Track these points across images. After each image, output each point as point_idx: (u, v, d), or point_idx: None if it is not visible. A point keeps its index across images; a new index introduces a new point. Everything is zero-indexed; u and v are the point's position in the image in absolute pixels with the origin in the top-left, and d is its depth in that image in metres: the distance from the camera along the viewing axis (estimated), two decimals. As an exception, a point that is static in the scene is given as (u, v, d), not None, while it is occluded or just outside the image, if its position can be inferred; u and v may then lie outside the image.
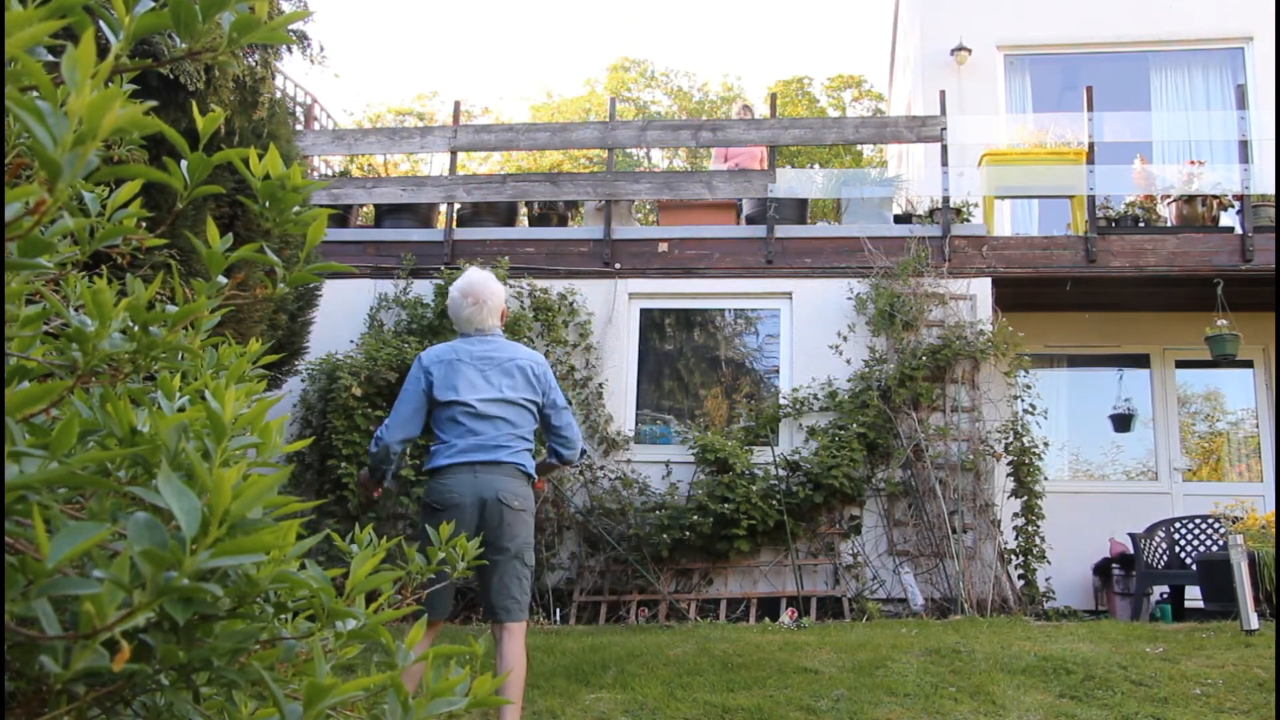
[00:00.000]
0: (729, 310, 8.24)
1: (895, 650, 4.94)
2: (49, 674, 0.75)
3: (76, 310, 1.07)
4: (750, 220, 8.26)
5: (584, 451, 3.82)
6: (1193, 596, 7.48)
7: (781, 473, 7.12)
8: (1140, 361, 8.96)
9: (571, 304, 7.80)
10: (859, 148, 18.87)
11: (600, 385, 7.65)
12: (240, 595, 0.87)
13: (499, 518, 3.45)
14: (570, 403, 7.59)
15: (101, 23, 0.98)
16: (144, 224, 1.26)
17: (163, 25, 0.94)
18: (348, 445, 6.96)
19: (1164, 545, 7.60)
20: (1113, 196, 7.89)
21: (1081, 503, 8.47)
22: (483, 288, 3.73)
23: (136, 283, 1.07)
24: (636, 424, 7.80)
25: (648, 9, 38.00)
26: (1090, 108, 7.82)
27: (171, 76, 3.93)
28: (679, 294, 8.00)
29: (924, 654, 4.87)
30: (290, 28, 5.00)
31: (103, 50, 0.82)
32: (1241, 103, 7.92)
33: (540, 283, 7.82)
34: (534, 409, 3.68)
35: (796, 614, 6.65)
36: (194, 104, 1.42)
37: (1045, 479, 7.21)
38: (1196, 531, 7.58)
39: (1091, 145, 7.73)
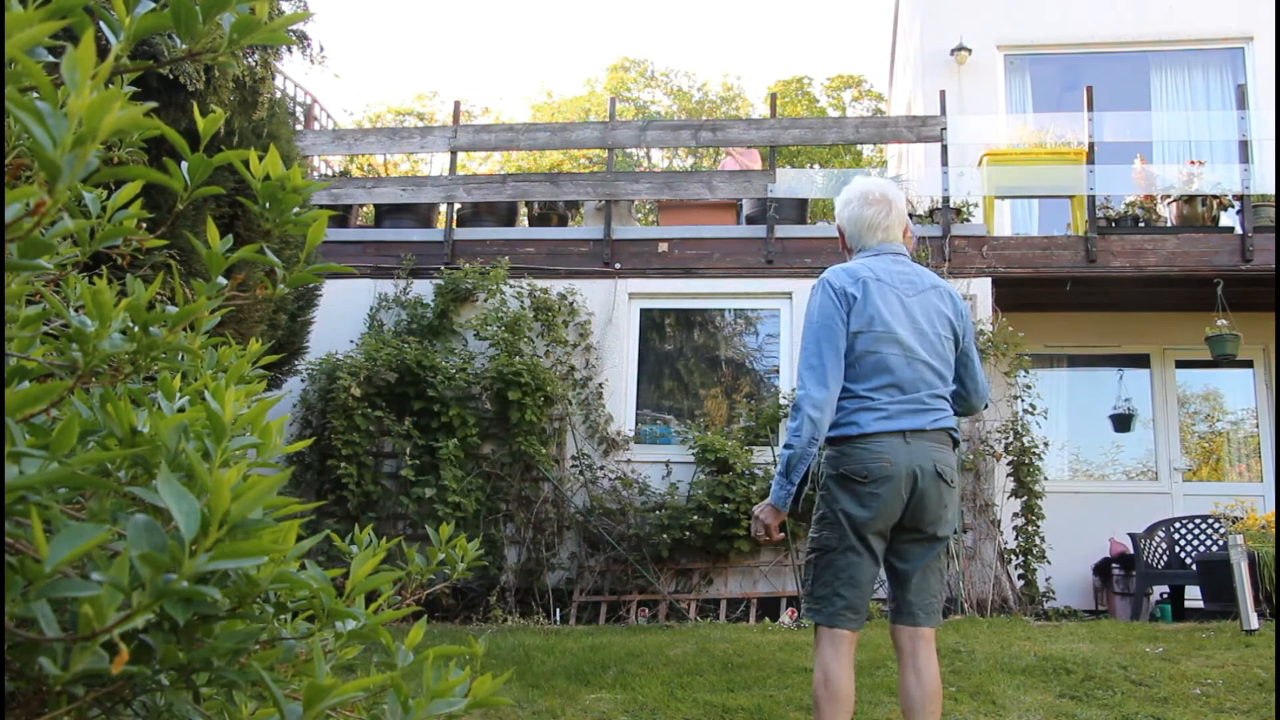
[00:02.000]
0: (729, 310, 8.24)
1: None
2: (48, 675, 0.75)
3: (76, 311, 1.07)
4: (750, 220, 8.26)
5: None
6: (1193, 596, 7.48)
7: (781, 473, 7.11)
8: (1140, 361, 8.96)
9: (571, 304, 7.81)
10: (859, 148, 18.87)
11: (600, 385, 7.65)
12: (240, 596, 0.87)
13: (937, 497, 2.72)
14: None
15: (101, 23, 0.98)
16: (144, 225, 1.26)
17: (163, 26, 0.94)
18: (347, 445, 6.96)
19: (1164, 545, 7.60)
20: (1113, 196, 7.89)
21: (1081, 503, 8.47)
22: (889, 187, 2.93)
23: (136, 283, 1.07)
24: (636, 424, 7.80)
25: (648, 9, 38.02)
26: (1090, 108, 7.82)
27: (171, 77, 3.93)
28: (679, 294, 8.00)
29: (924, 654, 4.86)
30: (290, 28, 5.00)
31: (103, 51, 0.82)
32: (1241, 103, 7.92)
33: (540, 283, 7.82)
34: (954, 353, 2.90)
35: (796, 614, 6.65)
36: (194, 104, 1.42)
37: (1045, 479, 7.21)
38: (1196, 531, 7.58)
39: (1091, 145, 7.73)
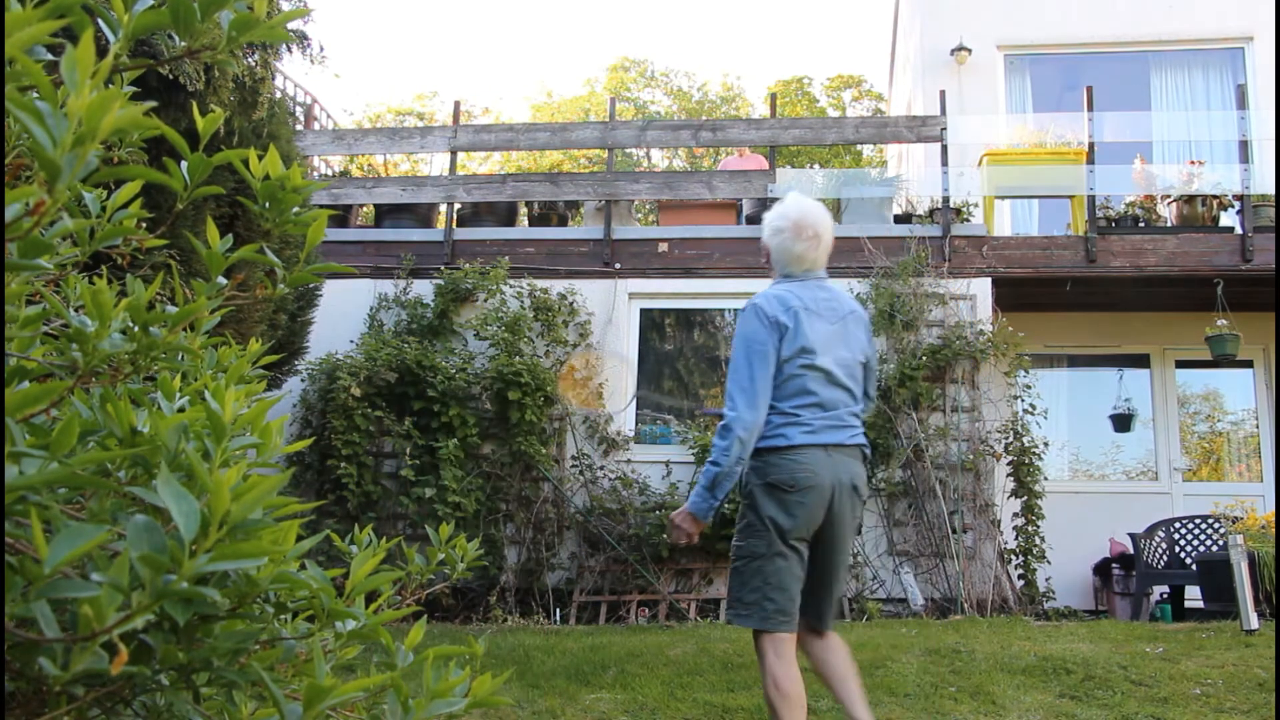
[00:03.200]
0: (729, 310, 8.24)
1: (895, 650, 4.94)
2: (48, 675, 0.75)
3: (76, 311, 1.07)
4: (750, 220, 8.26)
5: None
6: (1193, 596, 7.48)
7: (781, 473, 7.11)
8: (1140, 361, 8.96)
9: (571, 304, 7.80)
10: (859, 148, 18.88)
11: (600, 385, 7.65)
12: (240, 596, 0.87)
13: (850, 508, 2.94)
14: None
15: (100, 22, 0.98)
16: (144, 224, 1.26)
17: (162, 24, 0.94)
18: (347, 445, 6.96)
19: (1164, 545, 7.59)
20: (1113, 196, 7.88)
21: (1081, 503, 8.47)
22: (821, 219, 3.08)
23: (136, 283, 1.07)
24: (636, 424, 7.80)
25: (648, 9, 38.02)
26: (1090, 108, 7.81)
27: (171, 77, 3.93)
28: (679, 294, 8.00)
29: (924, 654, 4.87)
30: (290, 27, 5.00)
31: (102, 50, 0.81)
32: (1241, 103, 7.91)
33: (540, 283, 7.82)
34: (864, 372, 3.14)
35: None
36: (194, 104, 1.42)
37: (1045, 479, 7.21)
38: (1196, 531, 7.58)
39: (1091, 145, 7.72)
